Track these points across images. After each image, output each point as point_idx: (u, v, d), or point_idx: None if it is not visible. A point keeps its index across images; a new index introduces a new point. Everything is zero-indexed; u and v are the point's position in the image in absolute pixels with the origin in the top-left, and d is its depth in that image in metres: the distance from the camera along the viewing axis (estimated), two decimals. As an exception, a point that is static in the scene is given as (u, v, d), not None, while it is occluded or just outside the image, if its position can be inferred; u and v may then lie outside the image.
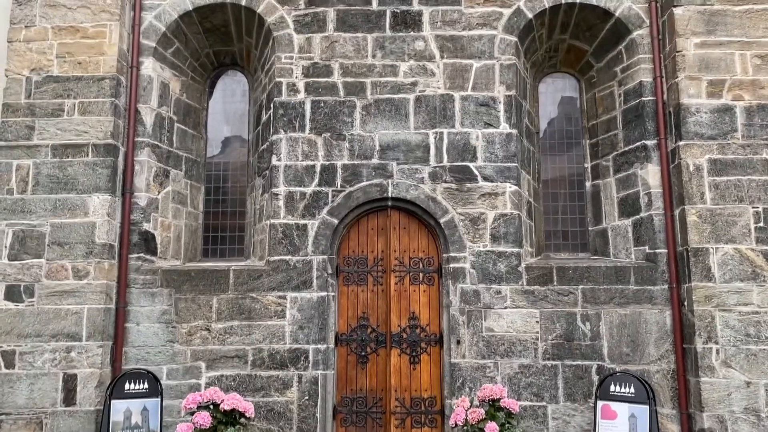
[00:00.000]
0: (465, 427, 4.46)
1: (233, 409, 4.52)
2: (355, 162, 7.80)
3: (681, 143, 7.31)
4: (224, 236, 8.52)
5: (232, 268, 7.70)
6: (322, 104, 7.89)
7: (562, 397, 7.22)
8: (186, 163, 8.32)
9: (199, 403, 4.56)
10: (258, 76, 8.61)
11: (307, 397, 7.28)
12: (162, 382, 7.17)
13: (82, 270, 7.22)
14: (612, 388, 6.68)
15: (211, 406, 4.58)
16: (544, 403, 7.21)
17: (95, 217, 7.34)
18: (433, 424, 7.34)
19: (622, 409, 6.54)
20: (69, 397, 6.97)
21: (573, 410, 7.18)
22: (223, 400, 4.57)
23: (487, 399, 4.54)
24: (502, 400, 4.51)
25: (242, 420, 4.61)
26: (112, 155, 7.50)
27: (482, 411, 4.42)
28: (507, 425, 4.44)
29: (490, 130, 7.79)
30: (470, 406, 4.56)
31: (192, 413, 4.52)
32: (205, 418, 4.40)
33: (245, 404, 4.59)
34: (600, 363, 7.27)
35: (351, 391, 7.58)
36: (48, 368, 7.01)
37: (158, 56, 8.04)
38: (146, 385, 6.87)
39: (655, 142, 7.69)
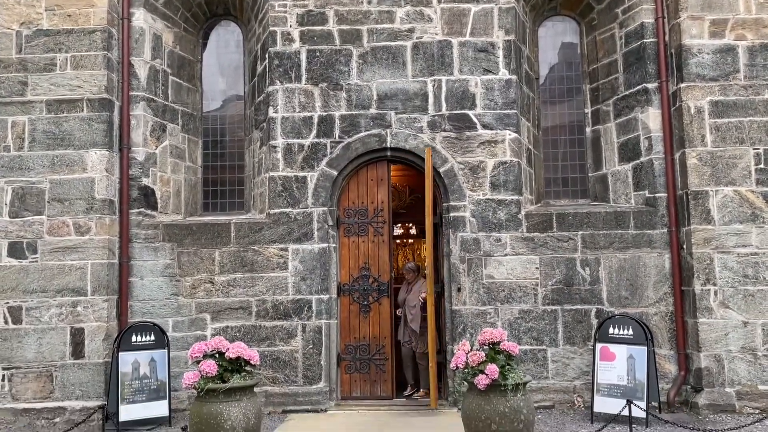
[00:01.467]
0: (465, 370, 4.54)
1: (238, 357, 4.59)
2: (353, 112, 7.73)
3: (682, 85, 7.23)
4: (224, 190, 8.52)
5: (233, 221, 7.72)
6: (317, 53, 7.77)
7: (561, 341, 7.35)
8: (182, 117, 8.25)
9: (205, 352, 4.64)
10: (252, 26, 8.44)
11: (311, 346, 7.41)
12: (168, 334, 7.30)
13: (84, 226, 7.25)
14: (611, 330, 6.78)
15: (217, 355, 4.66)
16: (544, 347, 7.34)
17: (94, 173, 7.33)
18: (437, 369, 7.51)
19: (620, 350, 6.66)
20: (77, 351, 7.10)
21: (572, 353, 7.31)
22: (228, 349, 4.64)
23: (487, 342, 4.61)
24: (502, 343, 4.57)
25: (247, 368, 4.69)
26: (107, 110, 7.43)
27: (482, 354, 4.49)
28: (507, 367, 4.51)
29: (489, 76, 7.69)
30: (471, 350, 4.63)
31: (198, 362, 4.61)
32: (211, 366, 4.48)
33: (250, 352, 4.67)
34: (599, 307, 7.37)
35: (354, 339, 7.71)
36: (55, 323, 7.12)
37: (149, 7, 7.87)
38: (153, 337, 6.99)
39: (656, 85, 7.60)
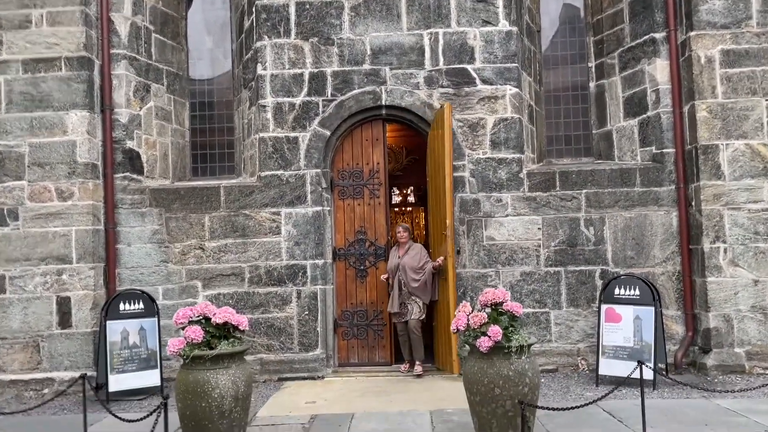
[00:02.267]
0: (467, 332, 4.26)
1: (226, 323, 4.30)
2: (346, 68, 7.33)
3: (692, 34, 6.82)
4: (213, 153, 8.16)
5: (223, 185, 7.39)
6: (307, 6, 7.33)
7: (564, 303, 7.09)
8: (168, 77, 7.85)
9: (191, 317, 4.35)
10: (238, -21, 7.99)
11: (306, 312, 7.15)
12: (158, 302, 7.02)
13: (66, 191, 6.92)
14: (616, 291, 6.51)
15: (203, 320, 4.37)
16: (546, 310, 7.08)
17: (75, 136, 6.96)
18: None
19: (626, 311, 6.40)
20: (64, 320, 6.83)
21: (576, 315, 7.06)
22: (215, 314, 4.34)
23: (489, 303, 4.32)
24: (505, 304, 4.28)
25: (236, 333, 4.40)
26: (87, 69, 7.03)
27: (484, 315, 4.20)
28: (510, 328, 4.23)
29: (489, 28, 7.27)
30: (472, 311, 4.34)
31: (183, 328, 4.32)
32: (196, 332, 4.19)
33: (238, 317, 4.38)
34: (604, 267, 7.09)
35: (351, 305, 7.45)
36: (40, 292, 6.83)
37: (128, -41, 7.41)
38: (142, 305, 6.72)
39: (663, 34, 7.19)
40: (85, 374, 4.62)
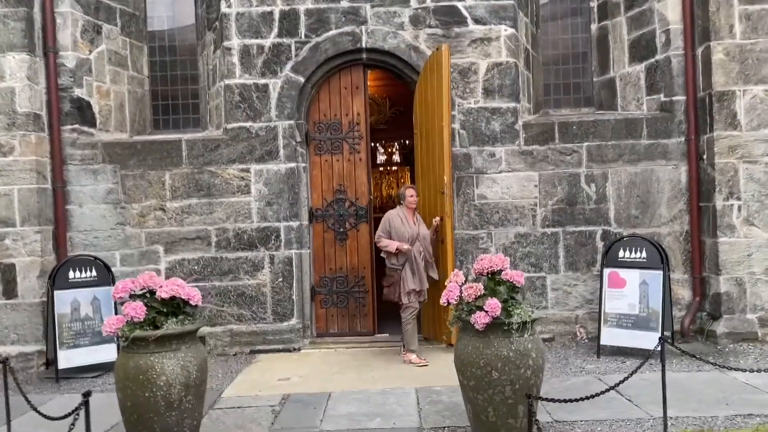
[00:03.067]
0: (460, 306, 3.59)
1: (173, 297, 3.58)
2: (321, 6, 6.46)
3: (710, -35, 6.03)
4: (176, 105, 7.30)
5: (184, 139, 6.57)
6: (276, -67, 6.41)
7: (562, 267, 6.45)
8: (122, 17, 6.92)
9: (132, 291, 3.63)
10: None
11: (280, 279, 6.45)
12: (116, 269, 6.30)
13: (6, 145, 6.07)
14: (621, 254, 5.87)
15: (148, 294, 3.65)
16: (543, 274, 6.44)
17: (13, 82, 6.08)
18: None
19: (632, 276, 5.77)
20: (9, 289, 6.07)
21: (574, 280, 6.43)
22: (161, 286, 3.62)
23: (485, 272, 3.63)
24: (504, 272, 3.60)
25: (187, 309, 3.69)
26: (25, 5, 6.10)
27: (480, 286, 3.52)
28: (511, 301, 3.55)
29: (481, -40, 6.41)
30: (465, 281, 3.66)
31: (123, 303, 3.60)
32: (138, 310, 3.47)
33: (189, 290, 3.66)
34: (605, 228, 6.43)
35: (330, 270, 6.76)
36: (-20, 259, 6.06)
37: None
38: (95, 273, 5.97)
39: (677, -33, 6.38)
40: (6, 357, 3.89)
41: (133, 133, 6.94)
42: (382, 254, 5.95)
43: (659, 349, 4.39)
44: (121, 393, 3.54)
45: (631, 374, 3.50)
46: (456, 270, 3.89)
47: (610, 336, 5.76)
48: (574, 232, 6.43)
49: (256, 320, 6.44)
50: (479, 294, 3.51)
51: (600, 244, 6.40)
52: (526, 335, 3.50)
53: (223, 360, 6.23)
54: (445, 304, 3.71)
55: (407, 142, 15.90)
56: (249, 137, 6.48)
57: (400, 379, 5.24)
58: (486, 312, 3.43)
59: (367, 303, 6.73)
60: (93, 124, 6.57)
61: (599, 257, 6.35)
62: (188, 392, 3.56)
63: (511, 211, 6.44)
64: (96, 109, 6.61)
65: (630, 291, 5.74)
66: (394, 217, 5.88)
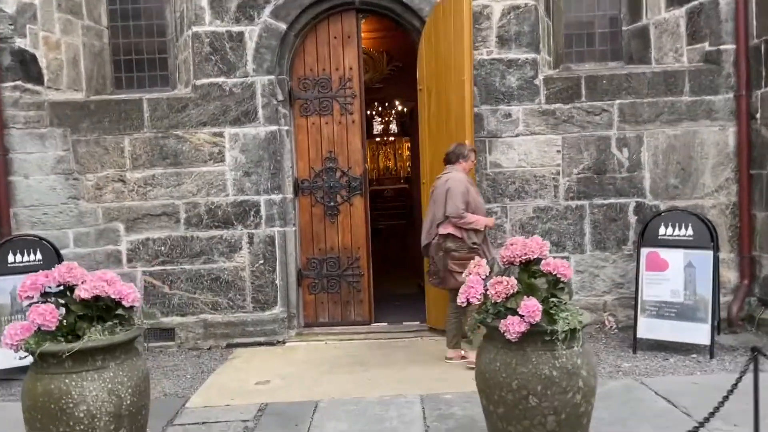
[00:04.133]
0: (485, 307, 2.62)
1: (98, 297, 2.63)
2: (305, -62, 5.39)
3: None
4: (141, 60, 6.21)
5: (146, 98, 5.53)
6: None
7: (588, 245, 5.49)
8: (72, -44, 5.83)
9: (44, 287, 2.68)
10: None
11: (261, 261, 5.49)
12: (68, 250, 5.35)
13: (-71, 105, 5.06)
14: (662, 230, 4.91)
15: (67, 292, 2.69)
16: (565, 254, 5.49)
17: (-65, 29, 5.03)
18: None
19: (675, 257, 4.81)
20: (-59, 277, 5.11)
21: (603, 260, 5.48)
22: (83, 281, 2.66)
23: (517, 260, 2.67)
24: (544, 262, 2.64)
25: (120, 311, 2.73)
26: (-53, -64, 5.02)
27: (513, 281, 2.56)
28: (553, 301, 2.60)
29: None
30: (490, 273, 2.71)
31: (31, 306, 2.64)
32: (47, 315, 2.51)
33: (121, 287, 2.69)
34: (639, 200, 5.46)
35: (319, 251, 5.80)
36: None
37: None
38: (39, 256, 5.00)
39: None
40: None
41: (90, 92, 5.89)
42: (445, 230, 4.54)
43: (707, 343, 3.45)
44: (29, 427, 2.60)
45: (724, 400, 2.52)
46: (477, 258, 2.92)
47: (649, 327, 4.83)
48: (603, 206, 5.46)
49: (233, 309, 5.50)
50: (511, 292, 2.55)
51: (633, 219, 5.44)
52: (575, 347, 2.55)
53: (195, 356, 5.31)
54: (464, 304, 2.76)
55: (405, 110, 14.87)
56: (222, 95, 5.46)
57: (401, 381, 4.32)
58: (521, 317, 2.48)
59: (362, 288, 5.79)
60: (40, 81, 5.53)
61: (631, 234, 5.40)
62: (120, 424, 2.61)
63: (529, 182, 5.46)
64: (43, 63, 5.55)
65: (673, 275, 4.79)
66: (469, 184, 4.64)
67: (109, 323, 2.67)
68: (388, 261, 9.44)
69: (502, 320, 2.55)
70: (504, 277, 2.59)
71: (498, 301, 2.58)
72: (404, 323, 5.83)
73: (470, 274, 2.72)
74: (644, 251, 4.93)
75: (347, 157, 5.77)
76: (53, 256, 5.03)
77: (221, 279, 5.50)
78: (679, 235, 4.81)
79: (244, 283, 5.50)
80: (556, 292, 2.64)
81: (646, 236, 4.95)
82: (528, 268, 2.68)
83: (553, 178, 5.47)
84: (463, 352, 4.61)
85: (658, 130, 5.42)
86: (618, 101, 5.42)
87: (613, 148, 5.44)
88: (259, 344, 5.45)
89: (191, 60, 5.51)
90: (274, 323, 5.48)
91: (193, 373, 4.82)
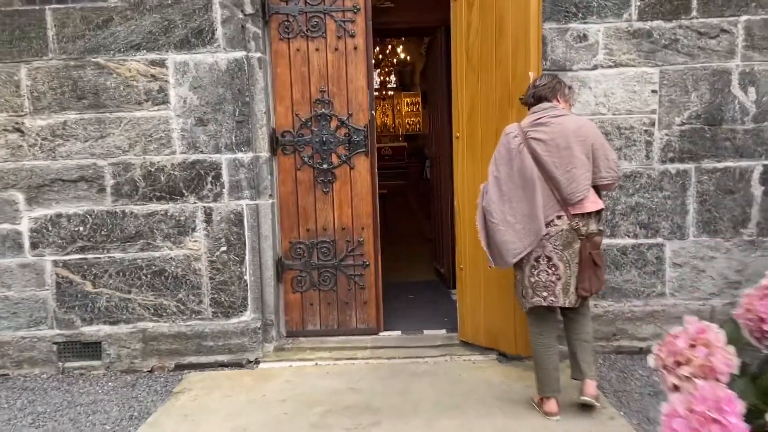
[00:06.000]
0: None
1: None
2: None
3: None
4: (58, -37, 4.37)
5: (51, 7, 3.70)
6: None
7: (692, 228, 3.80)
8: None
9: None
10: None
11: (224, 248, 3.79)
12: (-58, 232, 3.61)
13: None
14: (823, 209, 3.22)
15: None
16: (659, 240, 3.80)
17: None
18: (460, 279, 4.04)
19: None
20: None
21: (712, 250, 3.80)
22: None
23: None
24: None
25: None
26: None
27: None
28: None
29: None
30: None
31: None
32: None
33: None
34: None
35: (308, 232, 4.08)
36: None
37: None
38: None
39: None
40: None
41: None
42: (595, 206, 2.83)
43: None
44: None
45: None
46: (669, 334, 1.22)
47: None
48: (715, 171, 3.75)
49: (184, 315, 3.82)
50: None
51: (758, 191, 3.74)
52: None
53: (129, 383, 3.64)
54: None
55: (408, 57, 13.07)
56: (162, 4, 3.65)
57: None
58: None
59: (367, 284, 4.10)
60: None
61: (755, 212, 3.72)
62: None
63: (610, 136, 3.72)
64: None
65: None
66: None
67: None
68: (393, 232, 7.80)
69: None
70: None
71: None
72: (425, 332, 4.17)
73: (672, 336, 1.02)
74: (793, 240, 3.24)
75: (347, 99, 4.01)
76: None
77: (167, 273, 3.79)
78: None
79: (199, 278, 3.80)
80: None
81: (796, 218, 3.26)
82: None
83: (646, 131, 3.73)
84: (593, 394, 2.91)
85: (800, 61, 3.67)
86: (745, 17, 3.66)
87: (734, 87, 3.69)
88: (222, 366, 3.79)
89: (117, -48, 3.67)
90: (243, 335, 3.81)
91: (116, 419, 3.17)
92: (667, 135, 3.73)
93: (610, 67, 3.69)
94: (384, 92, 14.58)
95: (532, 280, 2.82)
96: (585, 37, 3.68)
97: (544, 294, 2.80)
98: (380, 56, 12.13)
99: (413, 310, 4.63)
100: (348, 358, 3.78)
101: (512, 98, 3.36)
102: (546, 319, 2.90)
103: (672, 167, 3.75)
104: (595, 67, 3.69)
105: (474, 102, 3.65)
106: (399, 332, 4.16)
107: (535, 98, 2.90)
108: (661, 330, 3.78)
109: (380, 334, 4.11)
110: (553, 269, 2.78)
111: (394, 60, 12.60)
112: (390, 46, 12.40)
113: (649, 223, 3.78)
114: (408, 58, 12.58)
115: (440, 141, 5.20)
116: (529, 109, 2.94)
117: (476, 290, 3.74)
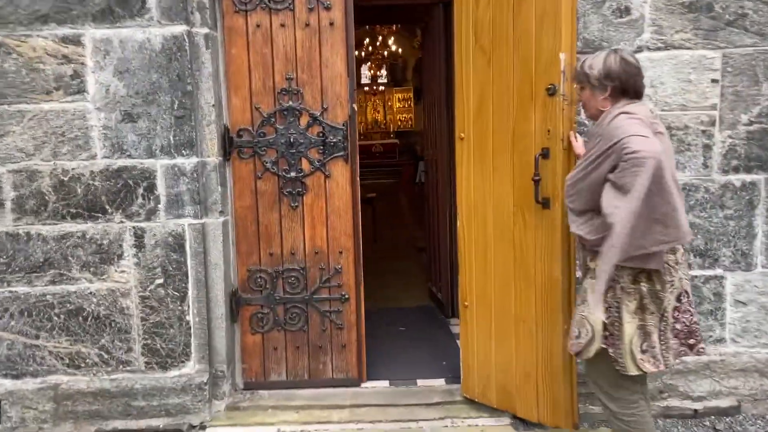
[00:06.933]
0: None
1: None
2: None
3: None
4: None
5: (-71, -37, 2.82)
6: None
7: (760, 256, 2.97)
8: None
9: None
10: None
11: (160, 281, 2.91)
12: None
13: None
14: None
15: None
16: (718, 272, 2.96)
17: None
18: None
19: None
20: None
21: (784, 284, 2.98)
22: None
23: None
24: None
25: None
26: None
27: None
28: None
29: None
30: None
31: None
32: None
33: None
34: None
35: (270, 258, 3.21)
36: None
37: None
38: None
39: None
40: None
41: None
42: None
43: None
44: None
45: None
46: None
47: None
48: (791, 184, 2.93)
49: (108, 366, 2.94)
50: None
51: None
52: None
53: (31, 461, 2.76)
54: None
55: (401, 50, 12.25)
56: (76, -37, 2.77)
57: None
58: None
59: (346, 322, 3.23)
60: None
61: (841, 237, 2.90)
62: None
63: (658, 137, 2.88)
64: None
65: None
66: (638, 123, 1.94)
67: None
68: (381, 241, 6.98)
69: None
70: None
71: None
72: (419, 382, 3.31)
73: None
74: None
75: (320, 89, 3.14)
76: None
77: (85, 312, 2.91)
78: None
79: (128, 319, 2.92)
80: None
81: None
82: None
83: (703, 132, 2.90)
84: None
85: None
86: (833, -14, 2.82)
87: (817, 77, 2.86)
88: (157, 432, 2.92)
89: None
90: (185, 393, 2.94)
91: None
92: (730, 137, 2.89)
93: (659, 49, 2.85)
94: (375, 87, 13.87)
95: (678, 327, 1.98)
96: (627, 11, 2.83)
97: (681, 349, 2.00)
98: (370, 48, 11.29)
99: (404, 348, 3.78)
100: (320, 422, 2.93)
101: (536, 88, 2.52)
102: (644, 377, 2.07)
103: (736, 179, 2.91)
104: (639, 49, 2.84)
105: (484, 93, 2.80)
106: (386, 382, 3.30)
107: (630, 91, 2.02)
108: (720, 386, 2.95)
109: (363, 385, 3.26)
110: (662, 317, 1.97)
111: (385, 53, 11.76)
112: (380, 37, 11.57)
113: (706, 249, 2.94)
114: (399, 50, 11.75)
115: (437, 142, 4.35)
116: (614, 101, 2.03)
117: (485, 335, 2.89)
